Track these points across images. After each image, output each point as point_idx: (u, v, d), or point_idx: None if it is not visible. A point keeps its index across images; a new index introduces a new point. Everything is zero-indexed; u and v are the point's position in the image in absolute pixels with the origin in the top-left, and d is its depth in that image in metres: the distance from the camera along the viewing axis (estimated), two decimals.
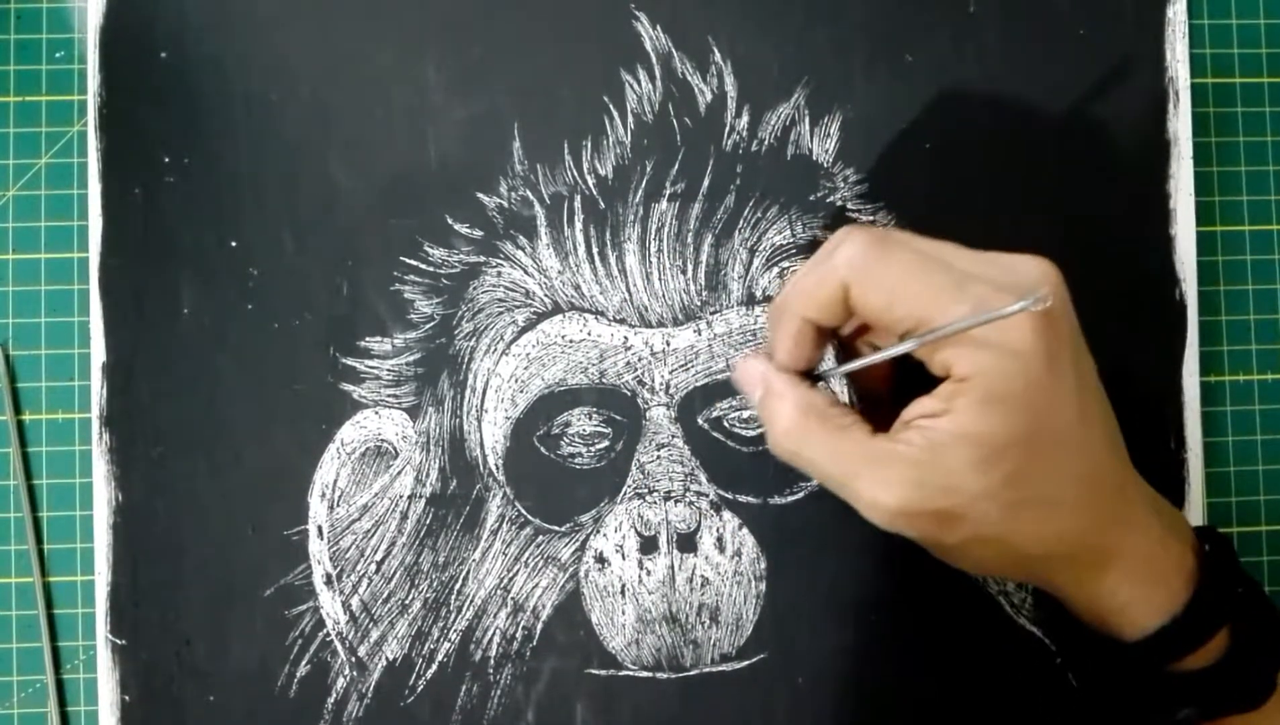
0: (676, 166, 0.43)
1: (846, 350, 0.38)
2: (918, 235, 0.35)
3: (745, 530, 0.43)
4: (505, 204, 0.43)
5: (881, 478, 0.33)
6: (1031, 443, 0.32)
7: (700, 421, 0.43)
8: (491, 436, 0.43)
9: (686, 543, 0.43)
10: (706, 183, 0.44)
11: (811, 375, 0.36)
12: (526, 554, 0.43)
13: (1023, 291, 0.31)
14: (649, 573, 0.43)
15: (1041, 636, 0.43)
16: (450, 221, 0.43)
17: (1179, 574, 0.35)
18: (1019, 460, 0.32)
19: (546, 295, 0.43)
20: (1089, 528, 0.34)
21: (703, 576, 0.43)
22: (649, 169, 0.43)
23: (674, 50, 0.44)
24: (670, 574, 0.43)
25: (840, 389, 0.43)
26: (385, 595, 0.43)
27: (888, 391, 0.37)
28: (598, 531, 0.43)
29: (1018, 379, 0.32)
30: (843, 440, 0.34)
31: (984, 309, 0.31)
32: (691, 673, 0.43)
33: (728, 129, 0.44)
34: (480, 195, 0.43)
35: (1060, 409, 0.32)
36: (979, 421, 0.32)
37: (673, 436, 0.43)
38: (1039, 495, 0.33)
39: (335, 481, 0.43)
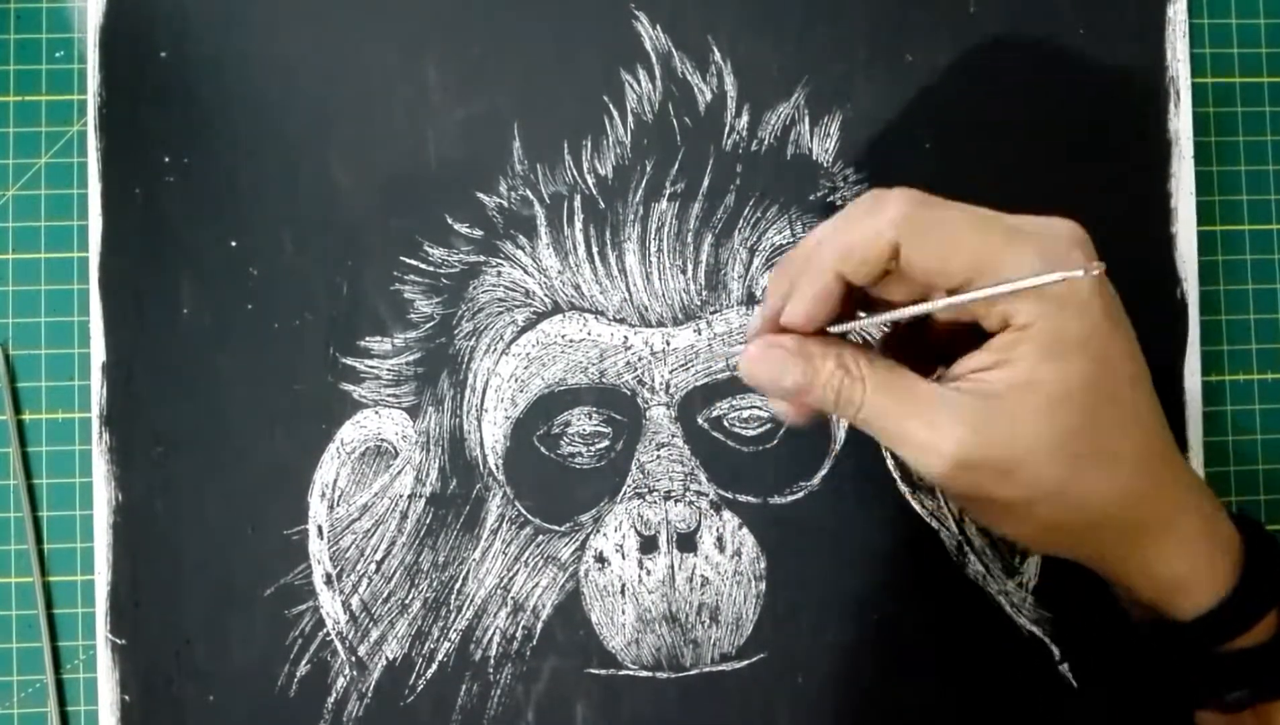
0: (676, 166, 0.43)
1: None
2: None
3: (745, 530, 0.43)
4: (505, 204, 0.43)
5: (941, 422, 0.31)
6: (1093, 393, 0.31)
7: (700, 421, 0.43)
8: (491, 436, 0.43)
9: (686, 542, 0.43)
10: (706, 182, 0.44)
11: (822, 334, 0.35)
12: (526, 554, 0.43)
13: (1064, 247, 0.32)
14: (649, 572, 0.43)
15: (1042, 636, 0.43)
16: (450, 221, 0.43)
17: (1230, 551, 0.35)
18: (1081, 411, 0.31)
19: (546, 295, 0.43)
20: (1148, 490, 0.33)
21: (703, 576, 0.43)
22: (649, 169, 0.43)
23: (674, 50, 0.44)
24: (670, 573, 0.43)
25: None
26: (385, 595, 0.43)
27: (923, 354, 0.36)
28: (598, 531, 0.43)
29: (1080, 326, 0.31)
30: (901, 385, 0.32)
31: (1046, 259, 0.31)
32: (691, 672, 0.43)
33: (728, 129, 0.44)
34: (480, 195, 0.43)
35: (1119, 362, 0.32)
36: (1042, 368, 0.31)
37: (673, 436, 0.43)
38: (1100, 449, 0.32)
39: (335, 481, 0.43)
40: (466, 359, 0.43)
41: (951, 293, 0.32)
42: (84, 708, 0.43)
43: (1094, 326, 0.32)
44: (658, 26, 0.44)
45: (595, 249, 0.43)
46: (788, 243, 0.44)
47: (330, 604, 0.43)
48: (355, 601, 0.43)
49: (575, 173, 0.43)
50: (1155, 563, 0.34)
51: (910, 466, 0.33)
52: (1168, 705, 0.37)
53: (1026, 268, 0.31)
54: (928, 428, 0.32)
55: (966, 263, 0.32)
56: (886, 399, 0.33)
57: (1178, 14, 0.45)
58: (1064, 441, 0.31)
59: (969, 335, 0.33)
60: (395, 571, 0.43)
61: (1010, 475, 0.31)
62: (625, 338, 0.43)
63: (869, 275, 0.33)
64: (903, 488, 0.43)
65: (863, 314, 0.35)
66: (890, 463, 0.44)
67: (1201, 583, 0.34)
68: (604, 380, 0.43)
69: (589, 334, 0.43)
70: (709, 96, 0.44)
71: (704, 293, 0.43)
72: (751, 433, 0.43)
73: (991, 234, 0.32)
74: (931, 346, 0.36)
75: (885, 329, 0.39)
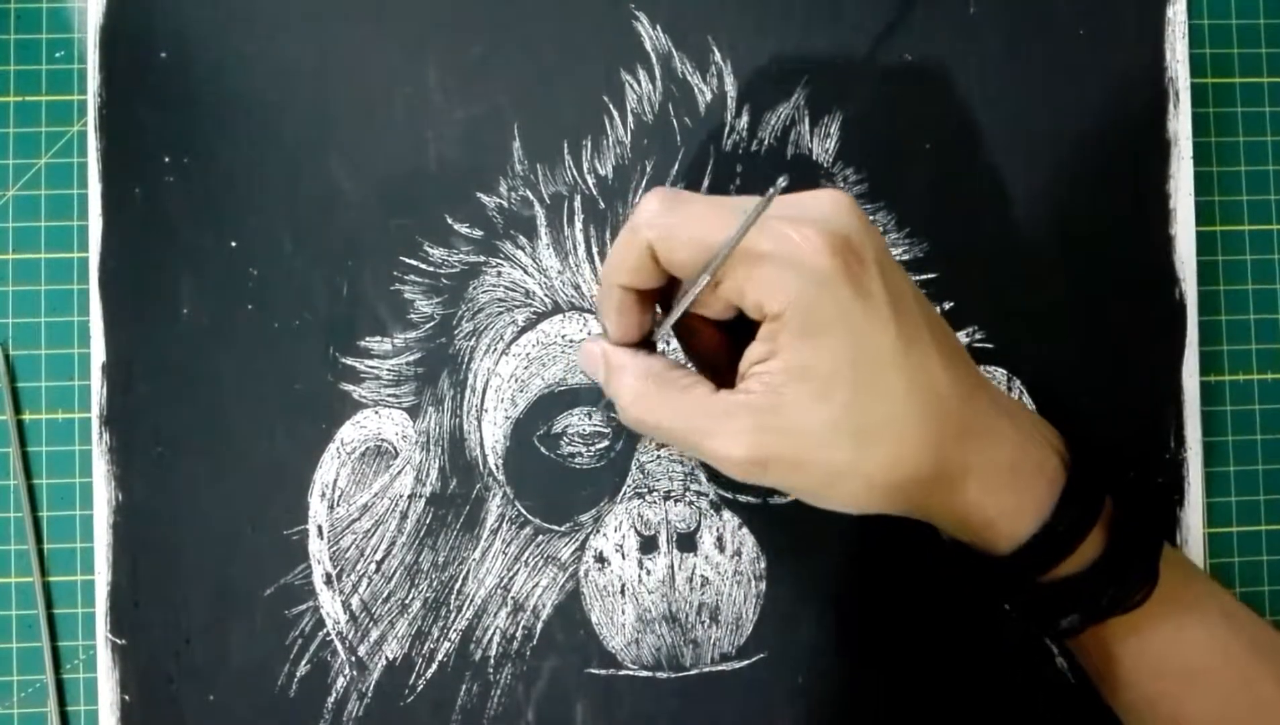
0: (676, 166, 0.43)
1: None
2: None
3: (745, 530, 0.43)
4: (505, 204, 0.43)
5: (728, 430, 0.33)
6: (858, 367, 0.32)
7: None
8: (491, 436, 0.43)
9: (686, 542, 0.43)
10: (706, 183, 0.44)
11: (648, 345, 0.37)
12: (526, 554, 0.43)
13: (816, 222, 0.32)
14: (649, 572, 0.43)
15: (1042, 636, 0.43)
16: (450, 221, 0.43)
17: (1042, 480, 0.35)
18: (852, 387, 0.32)
19: (546, 295, 0.43)
20: (938, 443, 0.33)
21: (702, 576, 0.43)
22: (649, 169, 0.43)
23: (674, 50, 0.44)
24: (670, 573, 0.43)
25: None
26: (385, 595, 0.43)
27: (726, 356, 0.36)
28: (598, 531, 0.43)
29: (827, 305, 0.32)
30: (686, 400, 0.34)
31: (780, 238, 0.32)
32: (691, 672, 0.43)
33: (728, 129, 0.44)
34: (480, 195, 0.43)
35: (876, 330, 0.32)
36: (803, 354, 0.32)
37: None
38: (879, 418, 0.32)
39: (335, 481, 0.43)
40: (466, 359, 0.43)
41: (718, 285, 0.33)
42: (84, 708, 0.43)
43: (842, 301, 0.32)
44: (658, 26, 0.44)
45: (595, 249, 0.43)
46: None
47: (330, 604, 0.43)
48: (355, 601, 0.43)
49: (575, 173, 0.43)
50: (962, 506, 0.35)
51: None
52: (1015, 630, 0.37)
53: (766, 245, 0.32)
54: (719, 438, 0.33)
55: (715, 248, 0.33)
56: (673, 414, 0.34)
57: (1177, 14, 0.45)
58: (841, 421, 0.32)
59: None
60: (395, 571, 0.43)
61: (801, 465, 0.33)
62: None
63: (645, 279, 0.34)
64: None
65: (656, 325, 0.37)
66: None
67: (1011, 517, 0.35)
68: None
69: (589, 334, 0.43)
70: (709, 96, 0.44)
71: None
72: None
73: (730, 219, 0.33)
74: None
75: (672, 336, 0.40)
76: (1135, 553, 0.35)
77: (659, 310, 0.37)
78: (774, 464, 0.33)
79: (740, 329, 0.35)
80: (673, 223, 0.33)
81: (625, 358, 0.36)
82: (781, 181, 0.31)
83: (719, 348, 0.37)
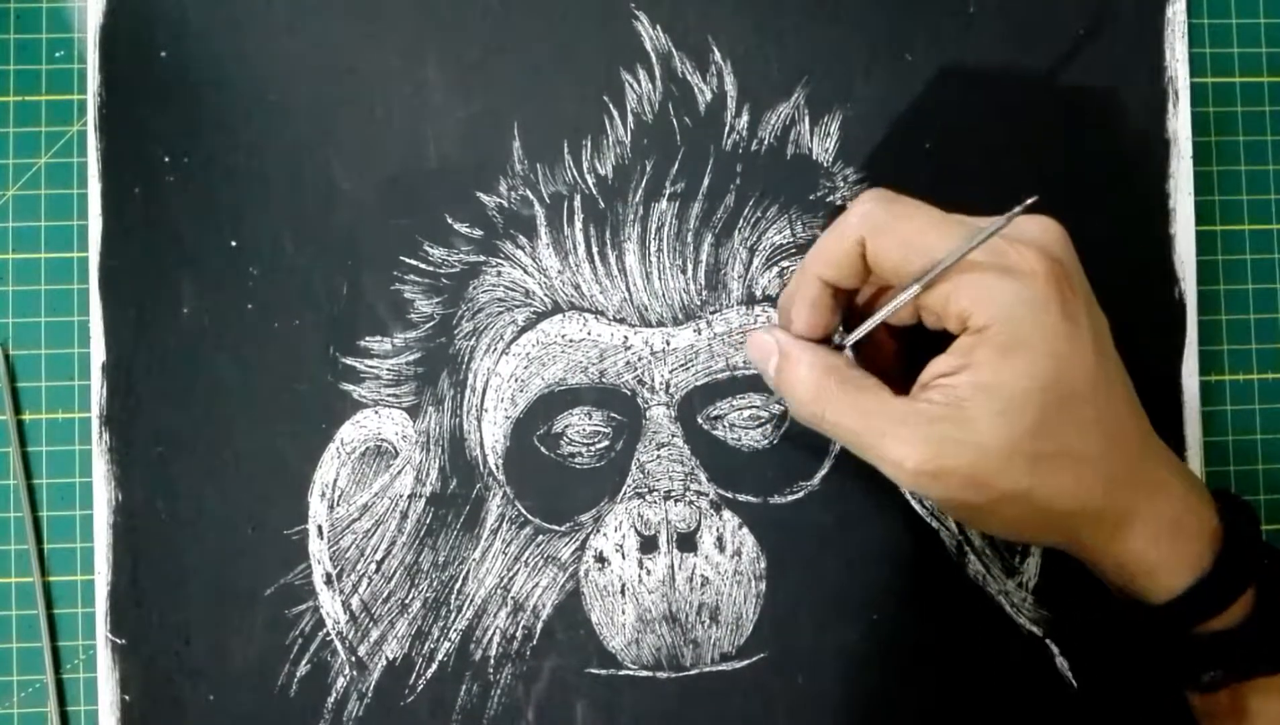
0: (676, 166, 0.43)
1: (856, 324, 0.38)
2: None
3: (745, 530, 0.43)
4: (505, 203, 0.43)
5: (906, 436, 0.32)
6: (1052, 392, 0.32)
7: (700, 421, 0.43)
8: (491, 436, 0.43)
9: (686, 542, 0.43)
10: (706, 182, 0.44)
11: (826, 344, 0.37)
12: (526, 553, 0.43)
13: (1034, 242, 0.32)
14: (649, 572, 0.43)
15: (1042, 636, 0.43)
16: (450, 221, 0.43)
17: (1203, 535, 0.35)
18: (1041, 410, 0.32)
19: (546, 295, 0.43)
20: (1113, 482, 0.34)
21: (703, 576, 0.43)
22: (649, 168, 0.43)
23: (674, 50, 0.44)
24: (670, 573, 0.43)
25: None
26: (385, 595, 0.43)
27: (897, 363, 0.37)
28: (598, 531, 0.43)
29: (1035, 326, 0.32)
30: (866, 400, 0.34)
31: (997, 253, 0.32)
32: (691, 672, 0.43)
33: (727, 128, 0.44)
34: (480, 195, 0.43)
35: (1078, 359, 0.32)
36: (1000, 371, 0.32)
37: (673, 436, 0.43)
38: (1063, 448, 0.32)
39: (335, 481, 0.43)
40: (466, 359, 0.43)
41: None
42: (84, 708, 0.43)
43: (1050, 325, 0.32)
44: (658, 26, 0.44)
45: (595, 249, 0.43)
46: (788, 242, 0.44)
47: (330, 604, 0.43)
48: (355, 601, 0.43)
49: (575, 173, 0.43)
50: (1124, 551, 0.35)
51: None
52: (1150, 684, 0.37)
53: (981, 256, 0.32)
54: (893, 442, 0.33)
55: (927, 259, 0.33)
56: (853, 413, 0.34)
57: (1177, 14, 0.45)
58: (1024, 444, 0.32)
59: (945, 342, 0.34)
60: (395, 571, 0.43)
61: (974, 481, 0.32)
62: (625, 337, 0.43)
63: (849, 275, 0.35)
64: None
65: (839, 333, 0.37)
66: None
67: (1172, 568, 0.35)
68: (604, 380, 0.43)
69: (589, 334, 0.43)
70: (709, 96, 0.44)
71: (704, 292, 0.43)
72: (752, 432, 0.43)
73: (951, 229, 0.33)
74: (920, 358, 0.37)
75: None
76: None
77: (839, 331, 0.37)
78: (946, 477, 0.32)
79: (913, 337, 0.35)
80: (891, 224, 0.33)
81: (804, 350, 0.36)
82: (1030, 200, 0.31)
83: (891, 354, 0.37)
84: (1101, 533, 0.35)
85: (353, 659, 0.42)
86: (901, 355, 0.37)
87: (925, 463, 0.32)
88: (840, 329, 0.38)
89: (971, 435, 0.32)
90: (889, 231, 0.33)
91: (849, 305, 0.37)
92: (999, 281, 0.32)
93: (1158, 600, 0.35)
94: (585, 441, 0.43)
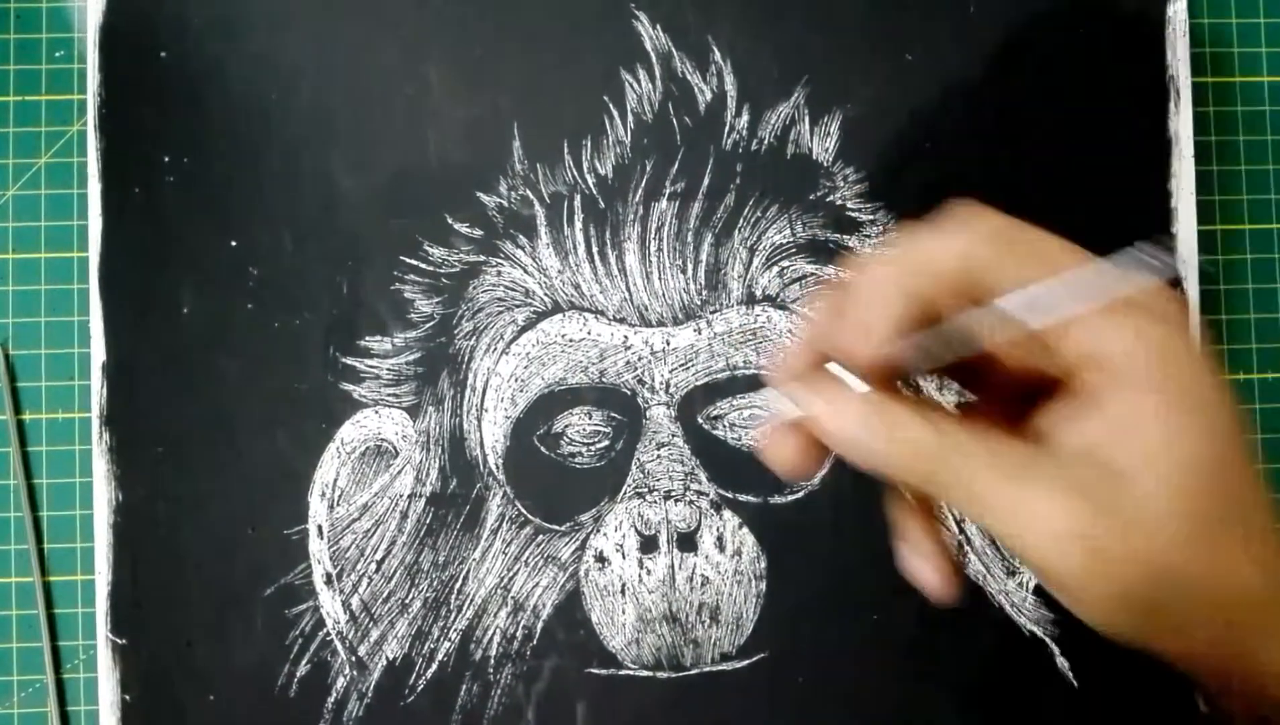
0: (676, 166, 0.43)
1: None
2: None
3: (745, 529, 0.43)
4: (505, 203, 0.43)
5: (1048, 494, 0.26)
6: (1216, 444, 0.26)
7: (700, 420, 0.43)
8: (491, 436, 0.43)
9: (686, 542, 0.43)
10: (706, 182, 0.44)
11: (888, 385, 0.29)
12: (527, 553, 0.43)
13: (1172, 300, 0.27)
14: (649, 572, 0.43)
15: (1042, 636, 0.43)
16: (450, 221, 0.43)
17: None
18: (1213, 481, 0.26)
19: (546, 294, 0.43)
20: (1273, 566, 0.27)
21: (703, 575, 0.43)
22: (649, 168, 0.43)
23: (674, 50, 0.44)
24: (670, 573, 0.43)
25: None
26: (385, 595, 0.43)
27: (1002, 404, 0.30)
28: (598, 531, 0.43)
29: (1184, 366, 0.26)
30: (983, 448, 0.26)
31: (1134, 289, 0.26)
32: (691, 672, 0.43)
33: (727, 128, 0.44)
34: (480, 195, 0.43)
35: (1231, 430, 0.27)
36: (1162, 432, 0.26)
37: (673, 435, 0.43)
38: (1236, 526, 0.26)
39: (335, 481, 0.43)
40: (466, 359, 0.43)
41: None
42: (84, 708, 0.43)
43: (1200, 369, 0.26)
44: (658, 26, 0.44)
45: (595, 249, 0.43)
46: (787, 242, 0.44)
47: (330, 604, 0.43)
48: (355, 601, 0.43)
49: (575, 172, 0.43)
50: (1267, 663, 0.28)
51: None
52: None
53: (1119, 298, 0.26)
54: (1030, 502, 0.26)
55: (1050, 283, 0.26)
56: (972, 464, 0.26)
57: (1178, 14, 0.45)
58: (1201, 521, 0.26)
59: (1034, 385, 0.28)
60: (395, 571, 0.43)
61: (1128, 555, 0.26)
62: (625, 337, 0.43)
63: (948, 297, 0.27)
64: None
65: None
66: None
67: None
68: (604, 380, 0.43)
69: (589, 333, 0.43)
70: (709, 96, 0.44)
71: (704, 292, 0.43)
72: (752, 432, 0.43)
73: (1083, 258, 0.27)
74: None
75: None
76: None
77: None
78: (1100, 543, 0.25)
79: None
80: (1013, 243, 0.28)
81: (902, 402, 0.27)
82: (1205, 260, 0.27)
83: (1005, 392, 0.29)
84: (1269, 630, 0.27)
85: (353, 659, 0.42)
86: (1012, 389, 0.30)
87: (1078, 525, 0.25)
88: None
89: (1135, 498, 0.25)
90: (1013, 250, 0.27)
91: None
92: (1126, 307, 0.26)
93: None
94: (585, 441, 0.43)
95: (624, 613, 0.43)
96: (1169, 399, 0.26)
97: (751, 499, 0.43)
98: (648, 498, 0.43)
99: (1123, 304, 0.26)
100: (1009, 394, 0.29)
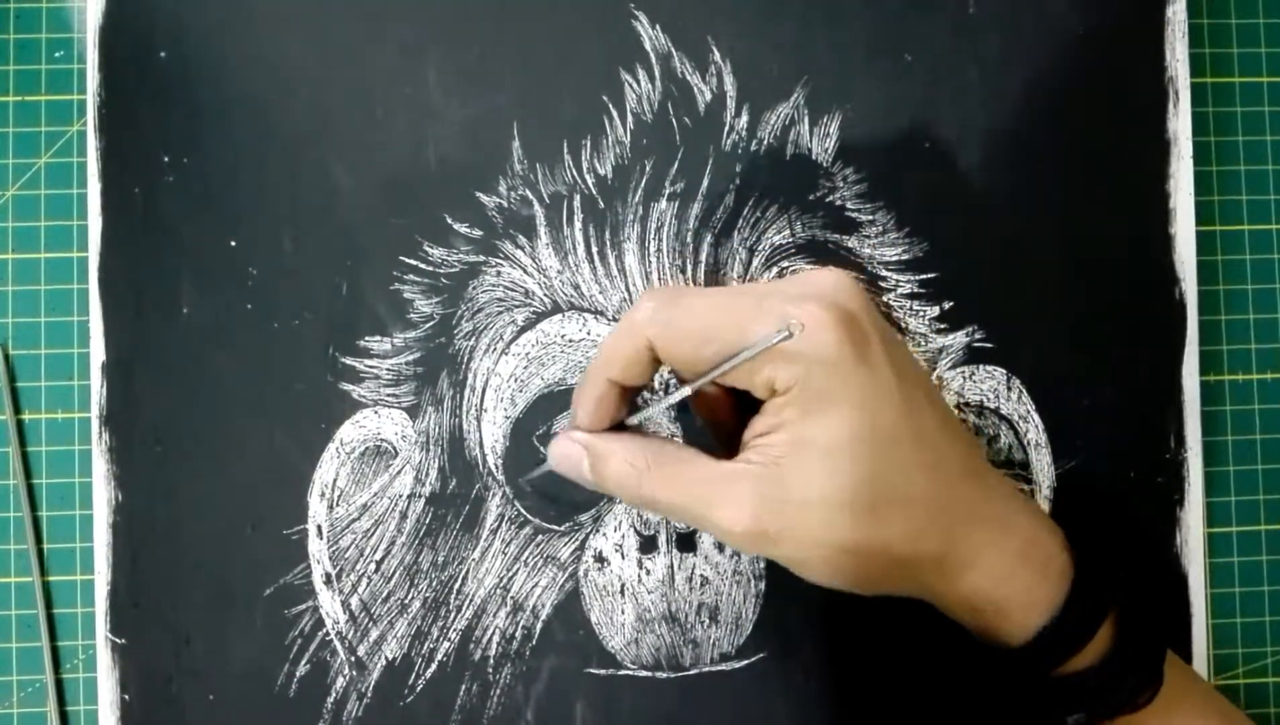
0: (676, 166, 0.43)
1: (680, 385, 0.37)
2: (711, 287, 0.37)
3: None
4: (505, 203, 0.43)
5: (731, 500, 0.33)
6: (865, 439, 0.32)
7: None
8: (491, 436, 0.43)
9: (686, 542, 0.43)
10: (706, 182, 0.44)
11: (620, 428, 0.37)
12: (526, 553, 0.43)
13: (818, 297, 0.32)
14: (648, 572, 0.43)
15: None
16: (450, 221, 0.43)
17: (1052, 572, 0.34)
18: (855, 462, 0.32)
19: (546, 295, 0.43)
20: (947, 522, 0.33)
21: (702, 576, 0.43)
22: (648, 168, 0.43)
23: (673, 50, 0.44)
24: (669, 573, 0.43)
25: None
26: (385, 595, 0.43)
27: (736, 421, 0.36)
28: (597, 531, 0.43)
29: (833, 379, 0.32)
30: (687, 471, 0.34)
31: (782, 319, 0.32)
32: (691, 672, 0.43)
33: (727, 128, 0.44)
34: (480, 195, 0.43)
35: (885, 404, 0.32)
36: (808, 427, 0.32)
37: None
38: (887, 494, 0.32)
39: (335, 481, 0.43)
40: (466, 359, 0.43)
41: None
42: (84, 707, 0.43)
43: (848, 376, 0.32)
44: (657, 26, 0.44)
45: (595, 249, 0.43)
46: (787, 242, 0.44)
47: (330, 604, 0.43)
48: (355, 601, 0.43)
49: (575, 172, 0.43)
50: (972, 593, 0.34)
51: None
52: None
53: (771, 326, 0.32)
54: (719, 508, 0.33)
55: (719, 344, 0.33)
56: (676, 486, 0.34)
57: (1177, 14, 0.45)
58: (845, 496, 0.32)
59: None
60: (395, 571, 0.43)
61: (804, 540, 0.32)
62: None
63: (637, 376, 0.35)
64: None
65: (644, 403, 0.38)
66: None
67: (1022, 608, 0.34)
68: None
69: (589, 334, 0.43)
70: (708, 96, 0.44)
71: None
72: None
73: (737, 305, 0.33)
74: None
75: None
76: (1143, 652, 0.35)
77: (640, 399, 0.37)
78: (776, 537, 0.32)
79: (748, 395, 0.34)
80: (677, 320, 0.34)
81: (608, 442, 0.36)
82: (783, 334, 0.32)
83: (730, 412, 0.36)
84: (946, 575, 0.34)
85: (352, 659, 0.42)
86: (738, 409, 0.36)
87: (753, 525, 0.32)
88: (643, 404, 0.38)
89: (793, 493, 0.32)
90: (676, 327, 0.34)
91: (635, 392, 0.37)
92: (792, 345, 0.32)
93: (1014, 643, 0.35)
94: None
95: (623, 613, 0.43)
96: (814, 405, 0.32)
97: None
98: None
99: (796, 348, 0.32)
100: (736, 412, 0.36)
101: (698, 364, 0.34)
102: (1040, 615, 0.34)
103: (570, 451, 0.36)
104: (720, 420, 0.37)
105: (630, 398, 0.37)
